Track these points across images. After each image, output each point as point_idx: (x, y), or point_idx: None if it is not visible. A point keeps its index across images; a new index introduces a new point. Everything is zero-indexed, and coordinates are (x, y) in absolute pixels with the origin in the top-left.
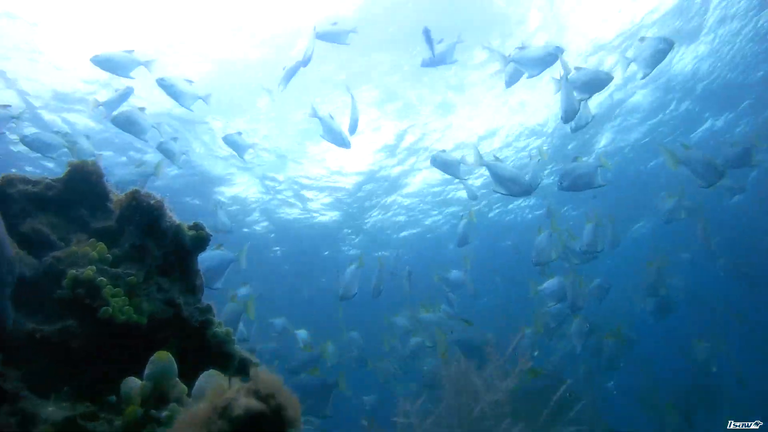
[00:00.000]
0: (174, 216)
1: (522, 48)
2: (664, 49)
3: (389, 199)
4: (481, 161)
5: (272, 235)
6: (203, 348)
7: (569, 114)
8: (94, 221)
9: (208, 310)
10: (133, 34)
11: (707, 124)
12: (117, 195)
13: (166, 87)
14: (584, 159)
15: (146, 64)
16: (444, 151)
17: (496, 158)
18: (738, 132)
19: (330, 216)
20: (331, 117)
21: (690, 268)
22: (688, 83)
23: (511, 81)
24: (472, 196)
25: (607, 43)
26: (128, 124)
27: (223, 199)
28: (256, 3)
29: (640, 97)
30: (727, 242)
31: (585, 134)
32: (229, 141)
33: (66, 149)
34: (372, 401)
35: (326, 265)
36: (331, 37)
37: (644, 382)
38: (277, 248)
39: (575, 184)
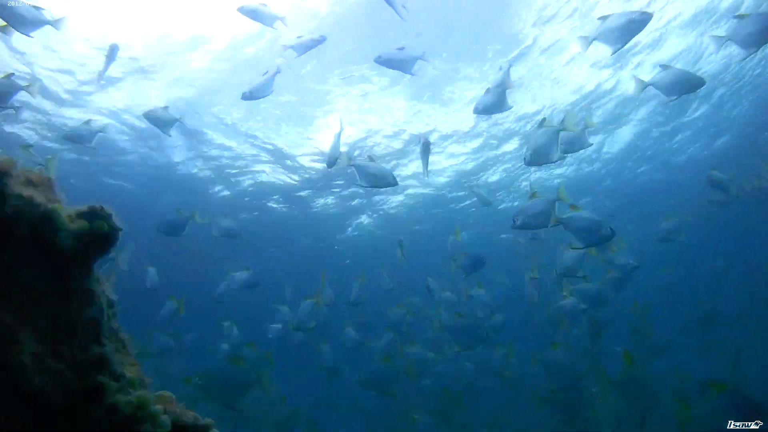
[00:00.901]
0: (46, 195)
1: (604, 18)
2: None
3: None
4: (557, 218)
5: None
6: None
7: (535, 157)
8: None
9: (99, 364)
10: None
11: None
12: None
13: None
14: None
15: (55, 23)
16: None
17: (573, 207)
18: None
19: None
20: (371, 159)
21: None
22: None
23: (488, 109)
24: (485, 202)
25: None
26: None
27: None
28: None
29: None
30: None
31: None
32: (150, 117)
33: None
34: None
35: None
36: (256, 15)
37: None
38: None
39: (530, 223)
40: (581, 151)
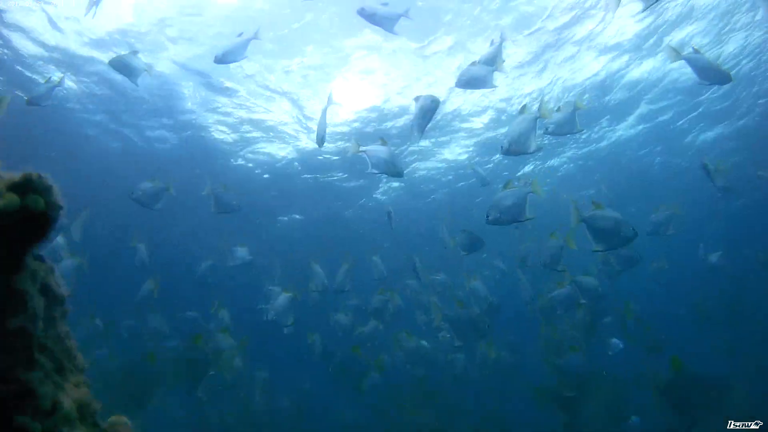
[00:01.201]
0: None
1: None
2: None
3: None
4: (579, 216)
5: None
6: None
7: (513, 146)
8: None
9: (21, 397)
10: None
11: None
12: None
13: None
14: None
15: None
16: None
17: (596, 205)
18: None
19: None
20: (383, 141)
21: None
22: None
23: (471, 83)
24: (484, 182)
25: None
26: None
27: None
28: None
29: None
30: None
31: None
32: (116, 64)
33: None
34: None
35: None
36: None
37: None
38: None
39: (502, 218)
40: (585, 134)
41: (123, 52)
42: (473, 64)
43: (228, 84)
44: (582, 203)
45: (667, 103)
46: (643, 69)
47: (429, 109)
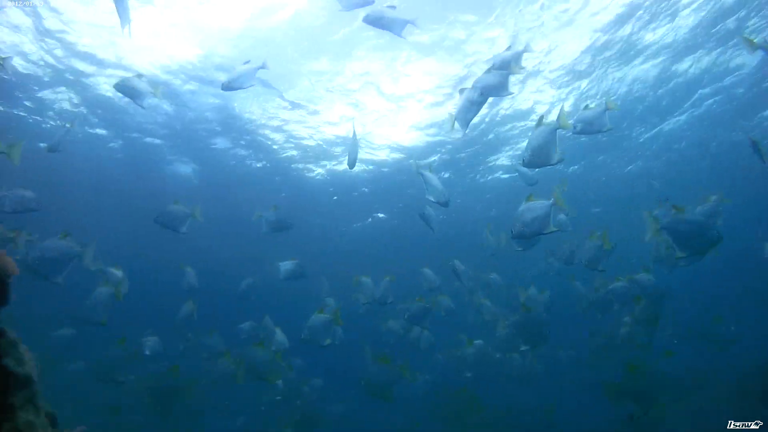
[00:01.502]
0: None
1: None
2: None
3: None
4: (656, 225)
5: None
6: None
7: (534, 158)
8: None
9: None
10: None
11: None
12: None
13: None
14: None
15: None
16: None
17: (674, 207)
18: None
19: None
20: (431, 169)
21: None
22: None
23: (487, 91)
24: (530, 182)
25: None
26: None
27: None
28: None
29: None
30: None
31: None
32: (122, 88)
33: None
34: None
35: None
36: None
37: None
38: None
39: (526, 232)
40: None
41: (128, 75)
42: (488, 71)
43: (292, 98)
44: (649, 206)
45: (720, 85)
46: (696, 57)
47: (475, 102)
